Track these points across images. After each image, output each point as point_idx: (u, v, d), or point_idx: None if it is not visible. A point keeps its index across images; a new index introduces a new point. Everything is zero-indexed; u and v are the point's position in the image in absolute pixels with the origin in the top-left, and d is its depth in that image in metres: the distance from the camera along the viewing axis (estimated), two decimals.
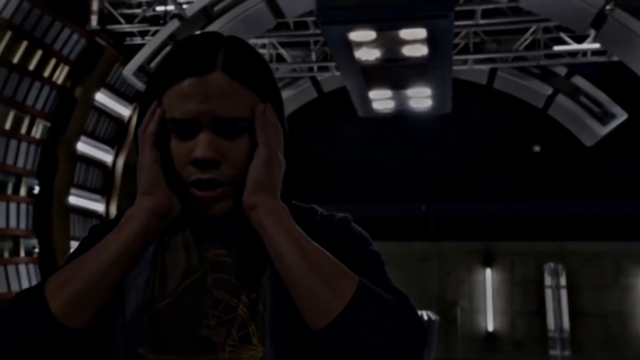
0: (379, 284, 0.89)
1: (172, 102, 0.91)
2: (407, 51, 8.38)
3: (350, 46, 8.19)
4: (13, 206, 9.44)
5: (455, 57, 10.07)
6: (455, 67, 10.06)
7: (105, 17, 9.55)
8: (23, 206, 9.65)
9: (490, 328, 12.10)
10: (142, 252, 0.90)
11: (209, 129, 0.90)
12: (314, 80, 11.34)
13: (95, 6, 9.46)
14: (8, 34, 9.12)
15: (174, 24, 8.31)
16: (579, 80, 11.13)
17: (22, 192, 9.79)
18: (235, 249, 0.97)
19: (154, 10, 9.44)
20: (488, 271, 12.41)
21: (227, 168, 0.90)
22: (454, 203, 12.28)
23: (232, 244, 0.98)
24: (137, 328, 0.92)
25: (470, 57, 10.30)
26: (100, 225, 1.04)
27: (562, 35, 9.98)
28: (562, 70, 11.16)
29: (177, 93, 0.90)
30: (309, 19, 9.39)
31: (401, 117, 10.98)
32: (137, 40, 9.62)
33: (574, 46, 10.06)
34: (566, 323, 11.77)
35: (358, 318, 0.81)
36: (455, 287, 12.46)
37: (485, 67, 10.81)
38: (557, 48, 10.18)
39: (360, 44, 8.23)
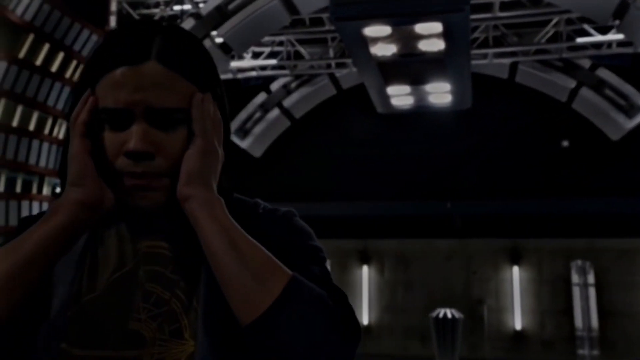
0: (316, 279, 0.86)
1: (105, 91, 0.88)
2: (424, 46, 8.26)
3: (365, 42, 8.11)
4: (36, 205, 9.65)
5: (475, 52, 9.91)
6: (474, 62, 9.90)
7: (124, 18, 9.67)
8: (46, 205, 9.85)
9: (518, 327, 11.88)
10: (68, 245, 0.87)
11: (142, 119, 0.87)
12: (332, 77, 11.30)
13: (113, 7, 9.59)
14: (31, 37, 9.31)
15: (189, 23, 8.37)
16: (604, 73, 10.82)
17: (45, 191, 10.00)
18: (172, 241, 0.95)
19: (172, 9, 9.53)
20: (515, 269, 12.18)
21: (161, 160, 0.88)
22: (479, 200, 12.10)
23: (168, 237, 0.95)
24: (62, 323, 0.89)
25: (490, 50, 10.11)
26: (31, 217, 1.01)
27: (586, 26, 9.72)
28: (586, 63, 10.87)
29: (109, 82, 0.88)
30: (325, 15, 9.35)
31: (421, 113, 10.84)
32: None
33: (598, 37, 9.79)
34: (595, 322, 11.49)
35: (286, 314, 0.79)
36: (481, 285, 12.27)
37: (506, 61, 10.60)
38: (580, 40, 9.93)
39: (375, 40, 8.15)
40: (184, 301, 0.91)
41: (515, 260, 12.12)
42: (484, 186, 12.18)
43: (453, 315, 10.29)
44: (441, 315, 10.31)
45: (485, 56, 10.29)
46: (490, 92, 11.64)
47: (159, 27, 0.93)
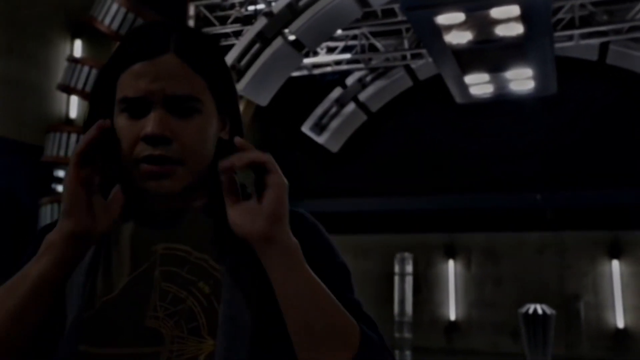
0: (352, 307, 0.91)
1: (125, 82, 0.93)
2: (501, 31, 7.93)
3: (438, 31, 7.89)
4: None
5: (559, 34, 9.36)
6: (559, 44, 9.36)
7: (202, 21, 10.00)
8: None
9: (621, 325, 11.19)
10: (67, 276, 0.89)
11: (160, 107, 0.92)
12: (408, 69, 11.07)
13: (191, 11, 9.94)
14: (118, 45, 9.84)
15: (261, 22, 8.51)
16: None
17: None
18: (190, 243, 0.98)
19: (246, 10, 9.73)
20: (615, 263, 11.49)
21: (177, 146, 0.92)
22: (571, 190, 11.48)
23: (187, 239, 0.98)
24: (78, 326, 0.93)
25: (577, 31, 9.48)
26: (49, 226, 1.05)
27: None
28: None
29: (129, 74, 0.93)
30: (397, 6, 9.18)
31: (503, 101, 10.41)
32: (232, 40, 9.96)
33: None
34: None
35: None
36: (577, 279, 11.68)
37: (595, 42, 9.89)
38: None
39: (449, 28, 7.90)
40: (202, 301, 0.93)
41: (615, 253, 11.44)
42: (575, 176, 11.53)
43: (544, 312, 9.79)
44: (531, 311, 9.85)
45: (570, 38, 9.66)
46: (577, 75, 10.97)
47: (176, 26, 0.98)
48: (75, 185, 0.87)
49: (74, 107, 10.62)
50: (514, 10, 7.37)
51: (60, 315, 0.94)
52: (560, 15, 9.25)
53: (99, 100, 0.99)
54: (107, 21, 9.59)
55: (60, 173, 9.74)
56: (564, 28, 9.45)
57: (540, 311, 9.78)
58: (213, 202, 1.01)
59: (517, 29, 7.81)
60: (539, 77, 9.08)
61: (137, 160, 0.92)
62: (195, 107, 0.94)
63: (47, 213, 8.83)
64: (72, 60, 9.66)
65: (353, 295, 0.99)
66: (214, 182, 1.02)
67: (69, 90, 9.66)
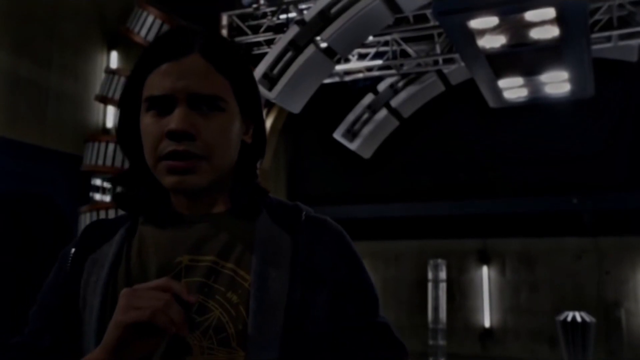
0: (382, 332, 0.94)
1: (151, 82, 0.96)
2: (536, 34, 7.81)
3: (472, 35, 7.82)
4: None
5: (597, 35, 9.17)
6: (596, 46, 9.17)
7: (234, 30, 10.11)
8: None
9: None
10: None
11: (184, 104, 0.94)
12: (440, 74, 11.00)
13: (224, 21, 10.05)
14: None
15: (293, 30, 8.55)
16: None
17: None
18: (213, 251, 0.98)
19: (278, 18, 9.80)
20: None
21: (200, 143, 0.94)
22: (609, 194, 11.23)
23: (211, 247, 0.98)
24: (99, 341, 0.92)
25: (615, 32, 9.27)
26: (69, 250, 1.07)
27: None
28: None
29: (156, 74, 0.96)
30: (429, 12, 9.14)
31: (538, 105, 10.25)
32: (265, 49, 10.05)
33: None
34: None
35: None
36: (616, 286, 11.40)
37: (635, 42, 9.67)
38: None
39: (482, 32, 7.83)
40: (231, 311, 0.93)
41: None
42: (613, 179, 11.28)
43: (583, 319, 9.56)
44: (569, 318, 9.62)
45: (609, 39, 9.46)
46: (616, 77, 10.73)
47: (201, 30, 1.01)
48: (124, 332, 0.84)
49: (111, 117, 10.85)
50: (550, 12, 7.27)
51: (79, 329, 0.95)
52: (597, 17, 9.06)
53: (128, 103, 1.02)
54: (142, 33, 9.77)
55: (98, 181, 9.95)
56: (602, 29, 9.25)
57: (579, 319, 9.56)
58: (236, 207, 1.02)
59: (552, 32, 7.68)
60: (575, 80, 8.91)
61: (161, 157, 0.94)
62: (219, 106, 0.95)
63: (86, 221, 9.02)
64: (109, 71, 9.86)
65: (380, 316, 0.99)
66: (236, 185, 1.03)
67: (106, 100, 9.86)
